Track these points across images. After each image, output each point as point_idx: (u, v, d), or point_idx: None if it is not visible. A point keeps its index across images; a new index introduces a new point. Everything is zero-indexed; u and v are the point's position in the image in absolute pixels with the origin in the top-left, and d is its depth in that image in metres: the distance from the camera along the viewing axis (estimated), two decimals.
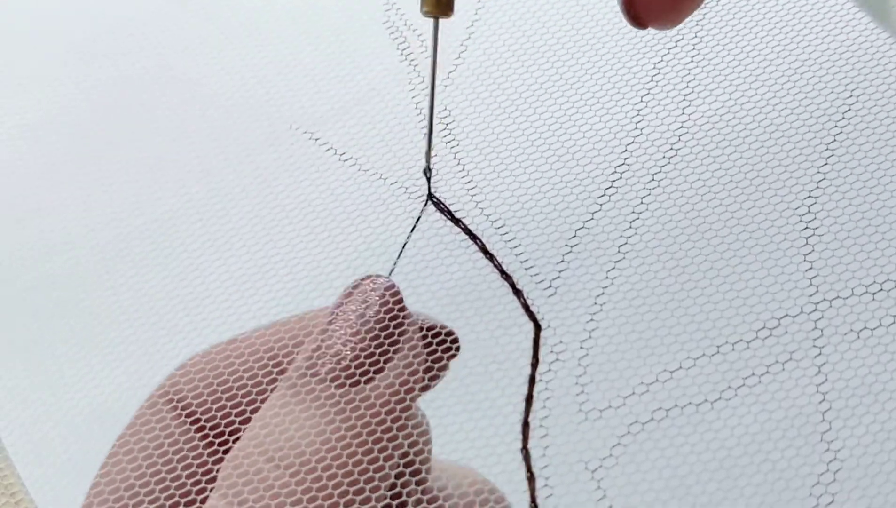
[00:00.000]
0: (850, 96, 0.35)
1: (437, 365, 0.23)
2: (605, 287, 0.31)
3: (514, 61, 0.39)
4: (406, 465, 0.23)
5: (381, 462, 0.21)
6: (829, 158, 0.34)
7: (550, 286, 0.30)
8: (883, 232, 0.32)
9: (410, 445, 0.22)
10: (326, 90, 0.40)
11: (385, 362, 0.22)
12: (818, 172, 0.33)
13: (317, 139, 0.38)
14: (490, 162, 0.35)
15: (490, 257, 0.23)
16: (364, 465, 0.21)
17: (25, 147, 0.42)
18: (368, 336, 0.22)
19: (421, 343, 0.23)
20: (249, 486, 0.21)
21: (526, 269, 0.29)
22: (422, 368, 0.23)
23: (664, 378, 0.30)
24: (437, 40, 0.24)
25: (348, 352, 0.22)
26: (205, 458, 0.23)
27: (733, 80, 0.36)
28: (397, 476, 0.22)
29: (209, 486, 0.22)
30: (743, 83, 0.36)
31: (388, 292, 0.23)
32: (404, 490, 0.22)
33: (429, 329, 0.23)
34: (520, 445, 0.24)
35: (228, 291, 0.35)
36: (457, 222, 0.23)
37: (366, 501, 0.21)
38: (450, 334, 0.24)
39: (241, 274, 0.35)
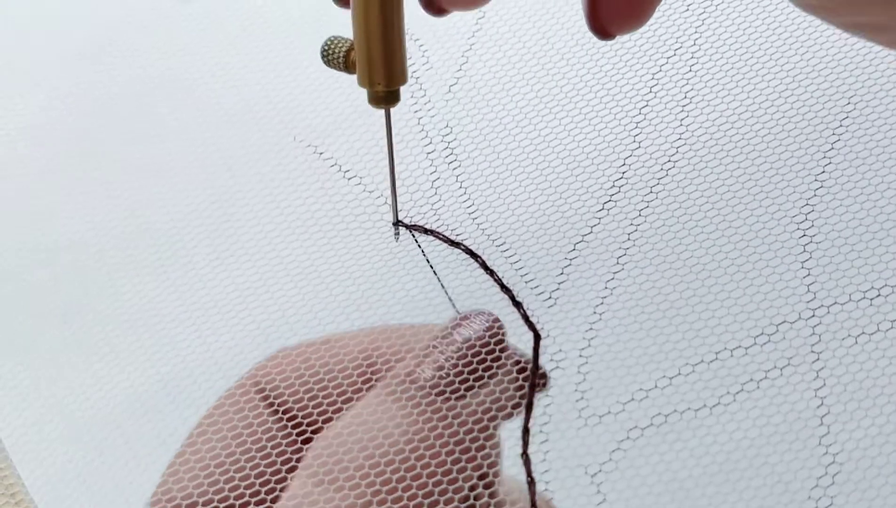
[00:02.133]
0: (848, 104, 0.35)
1: (523, 397, 0.25)
2: (605, 298, 0.32)
3: (515, 74, 0.39)
4: (480, 477, 0.23)
5: (463, 464, 0.23)
6: (826, 165, 0.34)
7: (550, 298, 0.30)
8: (880, 239, 0.32)
9: (485, 458, 0.23)
10: (328, 100, 0.40)
11: (480, 385, 0.23)
12: (815, 180, 0.34)
13: (321, 153, 0.38)
14: (488, 179, 0.35)
15: (490, 272, 0.23)
16: (448, 466, 0.22)
17: (26, 149, 0.41)
18: (471, 354, 0.24)
19: (515, 373, 0.24)
20: (345, 472, 0.22)
21: (526, 282, 0.29)
22: (512, 397, 0.24)
23: (663, 385, 0.30)
24: (391, 128, 0.25)
25: (448, 365, 0.23)
26: (297, 441, 0.24)
27: (731, 89, 0.36)
28: (471, 489, 0.23)
29: (289, 475, 0.23)
30: (741, 93, 0.36)
31: (494, 323, 0.24)
32: (477, 503, 0.23)
33: (523, 365, 0.25)
34: (520, 450, 0.24)
35: (230, 296, 0.35)
36: (456, 245, 0.24)
37: (447, 497, 0.22)
38: (542, 375, 0.25)
39: (244, 280, 0.35)
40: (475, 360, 0.24)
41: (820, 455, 0.29)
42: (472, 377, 0.23)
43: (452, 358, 0.24)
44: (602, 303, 0.31)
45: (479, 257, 0.23)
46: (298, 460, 0.24)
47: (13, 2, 0.47)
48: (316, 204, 0.36)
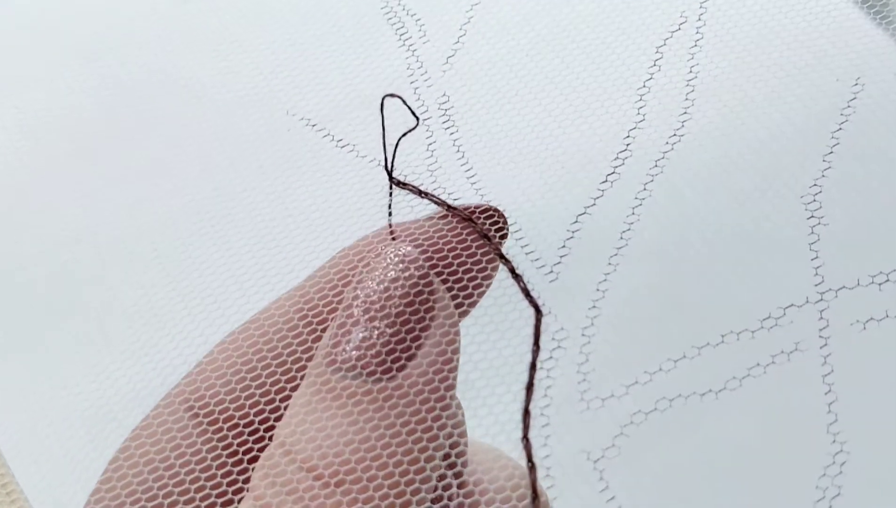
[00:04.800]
0: (856, 85, 0.35)
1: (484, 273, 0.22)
2: (608, 274, 0.31)
3: (514, 45, 0.38)
4: (447, 465, 0.21)
5: (422, 464, 0.20)
6: (834, 146, 0.33)
7: (552, 272, 0.29)
8: (889, 222, 0.31)
9: (446, 437, 0.21)
10: (331, 86, 0.39)
11: (417, 347, 0.21)
12: (823, 161, 0.33)
13: (314, 125, 0.38)
14: (488, 146, 0.35)
15: (488, 240, 0.22)
16: (397, 471, 0.20)
17: (26, 147, 0.42)
18: (399, 319, 0.21)
19: (453, 316, 0.21)
20: (279, 497, 0.19)
21: (526, 254, 0.28)
22: (453, 349, 0.21)
23: (668, 368, 0.29)
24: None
25: (376, 338, 0.20)
26: (233, 472, 0.22)
27: (737, 65, 0.35)
28: (438, 479, 0.21)
29: (236, 497, 0.21)
30: (747, 69, 0.35)
31: (411, 265, 0.21)
32: (445, 494, 0.21)
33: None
34: (520, 434, 0.23)
35: (230, 289, 0.35)
36: (453, 209, 0.22)
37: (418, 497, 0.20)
38: (493, 218, 0.22)
39: (244, 273, 0.35)
40: (401, 325, 0.20)
41: (828, 443, 0.28)
42: (402, 346, 0.20)
43: (378, 324, 0.20)
44: (605, 279, 0.31)
45: (476, 223, 0.22)
46: (229, 484, 0.21)
47: (13, 1, 0.47)
48: (317, 191, 0.36)
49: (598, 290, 0.30)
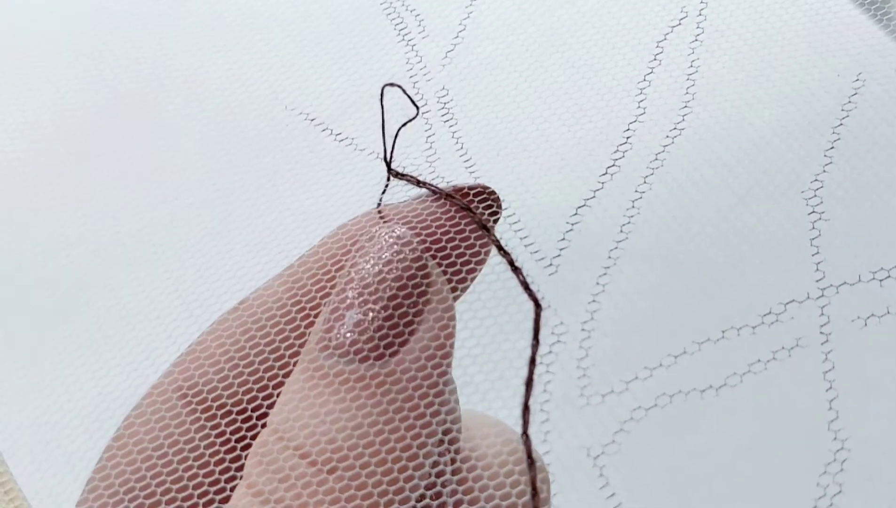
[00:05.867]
0: (857, 80, 0.35)
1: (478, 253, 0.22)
2: (608, 267, 0.31)
3: (513, 40, 0.38)
4: (440, 452, 0.21)
5: (414, 451, 0.20)
6: (836, 141, 0.33)
7: (551, 265, 0.29)
8: (890, 218, 0.31)
9: (439, 424, 0.20)
10: (333, 87, 0.39)
11: (410, 332, 0.20)
12: (824, 156, 0.33)
13: (312, 119, 0.38)
14: (488, 139, 0.34)
15: (487, 230, 0.22)
16: (389, 458, 0.20)
17: (26, 147, 0.42)
18: (392, 303, 0.21)
19: (448, 300, 0.21)
20: (271, 484, 0.19)
21: (526, 246, 0.28)
22: (446, 335, 0.21)
23: (668, 363, 0.29)
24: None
25: (370, 322, 0.20)
26: (221, 452, 0.22)
27: (738, 60, 0.35)
28: (431, 465, 0.20)
29: (229, 484, 0.21)
30: (747, 64, 0.35)
31: (405, 247, 0.21)
32: (438, 480, 0.20)
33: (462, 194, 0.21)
34: (520, 430, 0.23)
35: (231, 290, 0.35)
36: (451, 197, 0.22)
37: (411, 485, 0.20)
38: (484, 199, 0.22)
39: (244, 274, 0.35)
40: (393, 308, 0.20)
41: (829, 440, 0.28)
42: (394, 329, 0.20)
43: (371, 306, 0.20)
44: (605, 273, 0.30)
45: (475, 213, 0.21)
46: (222, 472, 0.21)
47: (14, 1, 0.47)
48: (318, 192, 0.36)
49: (597, 284, 0.30)
